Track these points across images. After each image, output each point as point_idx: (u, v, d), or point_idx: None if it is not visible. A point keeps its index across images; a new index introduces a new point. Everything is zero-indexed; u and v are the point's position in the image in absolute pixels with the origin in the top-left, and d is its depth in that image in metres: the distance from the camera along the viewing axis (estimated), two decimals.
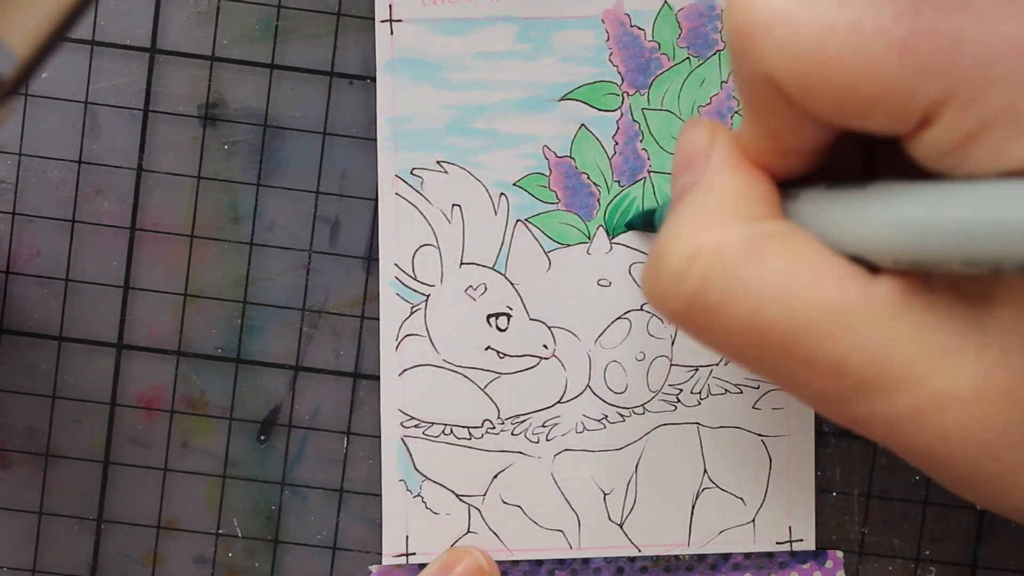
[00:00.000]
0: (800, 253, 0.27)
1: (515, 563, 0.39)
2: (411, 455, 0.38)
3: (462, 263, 0.38)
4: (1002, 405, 0.26)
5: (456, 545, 0.38)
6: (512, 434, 0.38)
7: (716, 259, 0.27)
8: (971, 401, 0.26)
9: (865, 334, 0.26)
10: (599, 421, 0.38)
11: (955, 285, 0.27)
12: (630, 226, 0.38)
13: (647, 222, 0.37)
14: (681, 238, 0.28)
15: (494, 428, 0.38)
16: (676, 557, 0.39)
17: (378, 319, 0.38)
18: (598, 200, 0.38)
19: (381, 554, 0.38)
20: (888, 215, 0.26)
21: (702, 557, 0.39)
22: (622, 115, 0.38)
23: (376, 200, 0.38)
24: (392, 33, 0.37)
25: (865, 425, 0.28)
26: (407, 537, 0.38)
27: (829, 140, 0.28)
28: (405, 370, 0.38)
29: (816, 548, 0.39)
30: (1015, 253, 0.24)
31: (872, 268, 0.27)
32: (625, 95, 0.38)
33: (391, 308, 0.38)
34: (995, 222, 0.24)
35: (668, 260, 0.28)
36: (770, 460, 0.39)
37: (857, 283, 0.27)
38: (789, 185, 0.29)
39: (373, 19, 0.38)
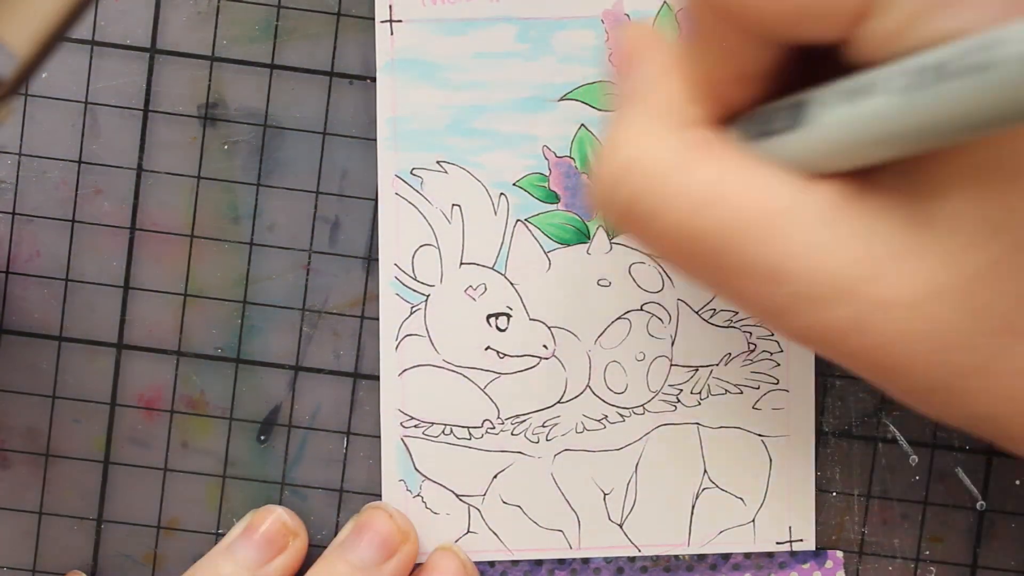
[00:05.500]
0: (732, 159, 0.27)
1: (515, 563, 0.39)
2: (411, 455, 0.38)
3: (462, 263, 0.38)
4: (948, 307, 0.26)
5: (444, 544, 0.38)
6: (512, 434, 0.38)
7: (649, 168, 0.27)
8: (916, 305, 0.26)
9: (799, 240, 0.26)
10: (599, 421, 0.38)
11: (895, 189, 0.26)
12: None
13: None
14: (619, 146, 0.28)
15: (494, 428, 0.38)
16: (676, 557, 0.39)
17: (378, 319, 0.38)
18: None
19: None
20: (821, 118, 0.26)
21: (702, 557, 0.39)
22: None
23: (376, 200, 0.38)
24: (392, 33, 0.37)
25: (810, 339, 0.27)
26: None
27: (769, 63, 0.28)
28: (405, 370, 0.38)
29: (816, 548, 0.39)
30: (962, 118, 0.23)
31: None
32: None
33: (391, 308, 0.38)
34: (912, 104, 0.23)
35: (608, 167, 0.28)
36: (770, 460, 0.39)
37: (791, 189, 0.26)
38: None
39: (373, 19, 0.38)
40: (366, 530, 0.37)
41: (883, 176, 0.27)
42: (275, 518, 0.38)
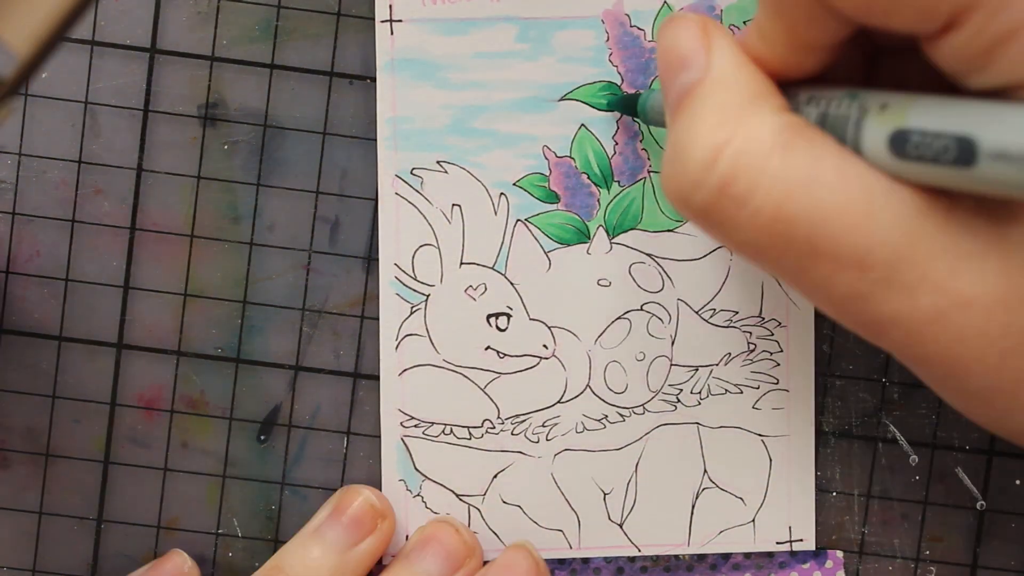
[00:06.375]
0: (825, 147, 0.27)
1: None
2: (411, 455, 0.38)
3: (462, 263, 0.38)
4: None
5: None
6: (512, 434, 0.38)
7: (744, 149, 0.27)
8: (994, 305, 0.26)
9: (890, 227, 0.26)
10: (599, 421, 0.38)
11: (973, 205, 0.27)
12: (612, 107, 0.37)
13: (629, 106, 0.37)
14: (705, 132, 0.28)
15: (494, 428, 0.38)
16: (676, 557, 0.39)
17: (378, 319, 0.38)
18: (598, 200, 0.38)
19: None
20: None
21: (702, 557, 0.39)
22: (622, 115, 0.38)
23: (376, 200, 0.38)
24: (392, 33, 0.37)
25: (885, 328, 0.27)
26: (407, 537, 0.38)
27: (843, 38, 0.28)
28: (405, 370, 0.38)
29: (816, 548, 0.39)
30: None
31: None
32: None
33: (391, 308, 0.38)
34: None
35: (694, 153, 0.28)
36: (770, 460, 0.39)
37: (880, 181, 0.27)
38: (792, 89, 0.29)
39: (373, 19, 0.38)
40: (431, 542, 0.37)
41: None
42: (363, 500, 0.37)
